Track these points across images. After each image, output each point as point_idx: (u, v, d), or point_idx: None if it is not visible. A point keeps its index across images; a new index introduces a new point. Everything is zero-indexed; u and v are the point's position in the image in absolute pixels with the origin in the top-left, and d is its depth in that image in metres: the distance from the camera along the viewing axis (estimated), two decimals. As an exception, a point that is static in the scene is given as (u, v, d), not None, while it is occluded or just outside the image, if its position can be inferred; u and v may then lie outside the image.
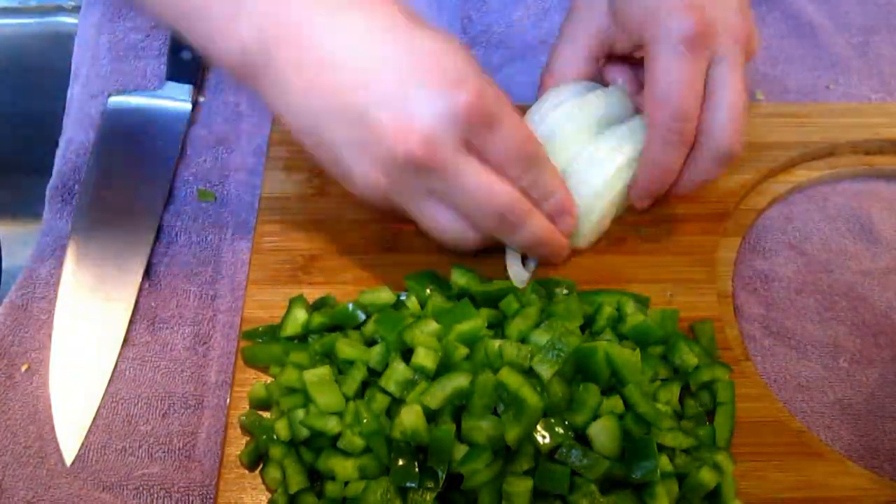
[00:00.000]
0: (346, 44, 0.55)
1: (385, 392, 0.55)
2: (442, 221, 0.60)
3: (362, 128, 0.55)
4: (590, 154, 0.64)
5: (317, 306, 0.64)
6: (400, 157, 0.54)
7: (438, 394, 0.53)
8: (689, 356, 0.60)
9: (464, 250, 0.63)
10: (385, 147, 0.54)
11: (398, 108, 0.54)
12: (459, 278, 0.63)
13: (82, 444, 0.60)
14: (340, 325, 0.61)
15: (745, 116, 0.60)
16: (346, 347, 0.58)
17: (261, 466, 0.58)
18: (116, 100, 0.78)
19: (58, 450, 0.60)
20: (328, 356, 0.59)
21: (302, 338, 0.62)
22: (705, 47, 0.59)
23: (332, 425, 0.55)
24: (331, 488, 0.54)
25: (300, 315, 0.62)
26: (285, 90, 0.56)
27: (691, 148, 0.62)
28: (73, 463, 0.59)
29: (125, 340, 0.65)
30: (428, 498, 0.52)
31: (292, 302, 0.63)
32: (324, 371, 0.57)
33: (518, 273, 0.65)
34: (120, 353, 0.65)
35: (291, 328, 0.61)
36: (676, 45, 0.59)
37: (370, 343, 0.60)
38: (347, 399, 0.56)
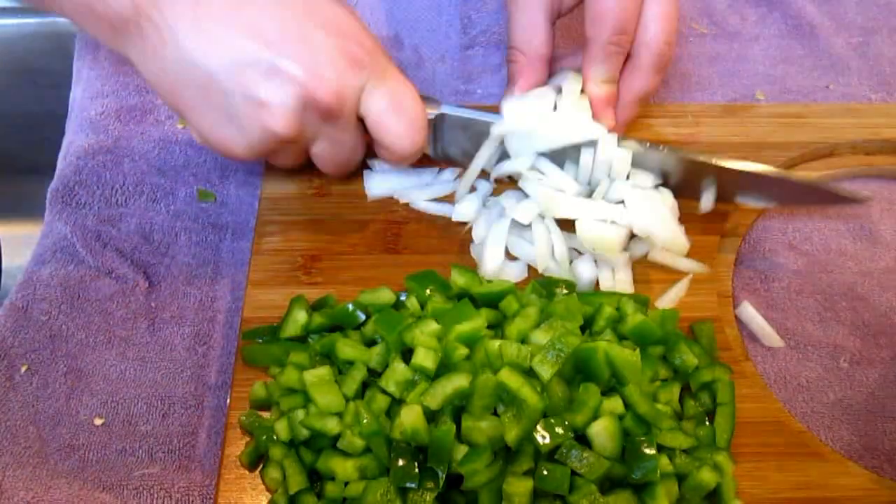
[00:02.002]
0: (236, 3, 0.57)
1: (385, 392, 0.55)
2: (330, 157, 0.65)
3: (267, 77, 0.56)
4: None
5: (317, 306, 0.64)
6: (311, 103, 0.58)
7: (438, 394, 0.53)
8: (689, 356, 0.60)
9: (344, 172, 0.69)
10: (296, 94, 0.57)
11: (305, 59, 0.57)
12: (459, 278, 0.63)
13: (82, 444, 0.60)
14: (340, 325, 0.62)
15: (675, 25, 0.69)
16: (346, 347, 0.58)
17: (261, 467, 0.58)
18: None
19: (58, 450, 0.60)
20: (328, 356, 0.59)
21: (302, 338, 0.62)
22: None
23: (332, 426, 0.55)
24: (331, 488, 0.54)
25: (300, 316, 0.62)
26: (178, 44, 0.56)
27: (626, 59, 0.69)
28: (73, 463, 0.60)
29: (125, 340, 0.65)
30: (428, 498, 0.52)
31: (293, 302, 0.63)
32: (324, 371, 0.57)
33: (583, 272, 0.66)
34: (120, 353, 0.65)
35: (292, 329, 0.61)
36: None
37: (370, 343, 0.60)
38: (347, 399, 0.56)
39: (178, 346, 0.65)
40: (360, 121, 0.63)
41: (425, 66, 0.83)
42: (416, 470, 0.52)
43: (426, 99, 0.66)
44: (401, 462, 0.52)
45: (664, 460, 0.54)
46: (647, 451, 0.53)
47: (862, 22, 0.88)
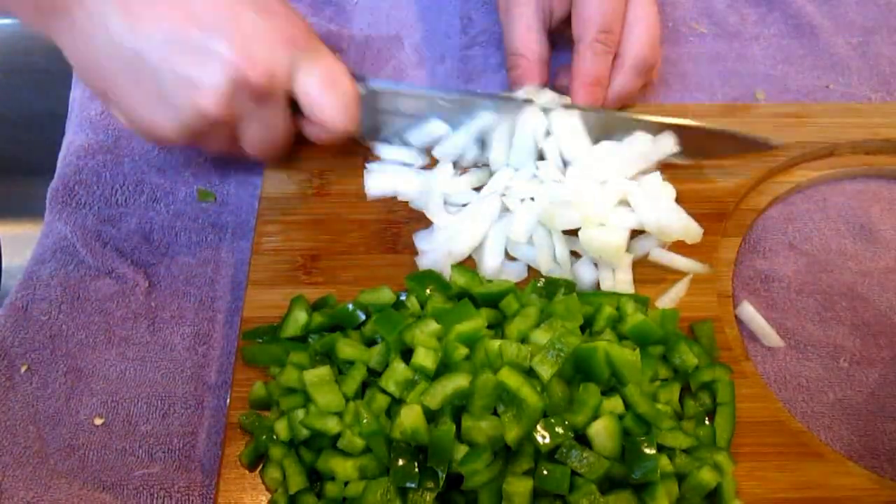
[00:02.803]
0: None
1: (385, 392, 0.55)
2: (260, 138, 0.65)
3: (199, 57, 0.57)
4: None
5: (317, 306, 0.64)
6: (243, 83, 0.58)
7: (438, 394, 0.53)
8: (689, 356, 0.60)
9: (272, 156, 0.69)
10: (227, 73, 0.57)
11: (236, 38, 0.57)
12: (459, 278, 0.63)
13: (82, 444, 0.60)
14: (340, 325, 0.62)
15: (658, 31, 0.73)
16: (346, 347, 0.58)
17: (261, 466, 0.58)
18: None
19: (58, 450, 0.60)
20: (328, 356, 0.59)
21: (302, 338, 0.62)
22: None
23: (332, 425, 0.55)
24: (331, 488, 0.54)
25: (301, 316, 0.62)
26: (107, 26, 0.56)
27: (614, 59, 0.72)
28: (73, 463, 0.60)
29: (125, 340, 0.65)
30: (428, 498, 0.52)
31: (293, 303, 0.63)
32: (324, 371, 0.57)
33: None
34: (120, 353, 0.65)
35: (292, 329, 0.61)
36: None
37: (370, 343, 0.60)
38: (347, 399, 0.56)
39: (178, 346, 0.65)
40: (290, 102, 0.63)
41: (425, 66, 0.83)
42: (416, 470, 0.52)
43: (356, 77, 0.67)
44: (401, 462, 0.52)
45: (664, 460, 0.54)
46: (647, 451, 0.53)
47: (862, 22, 0.88)
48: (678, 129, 0.69)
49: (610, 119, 0.71)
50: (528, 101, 0.69)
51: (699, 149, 0.71)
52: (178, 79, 0.57)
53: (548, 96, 0.73)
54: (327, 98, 0.63)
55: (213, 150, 0.67)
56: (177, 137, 0.62)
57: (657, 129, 0.70)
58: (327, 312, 0.62)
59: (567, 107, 0.70)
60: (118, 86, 0.59)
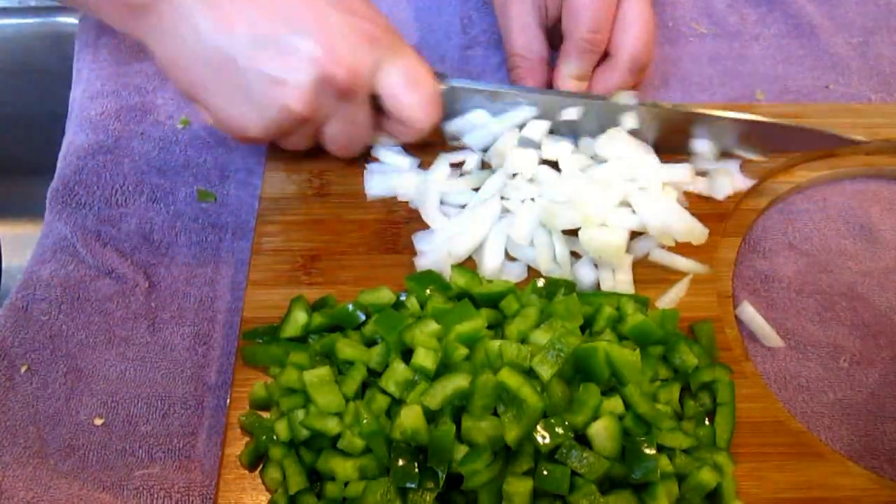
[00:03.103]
0: None
1: (385, 392, 0.55)
2: (343, 136, 0.66)
3: (284, 56, 0.58)
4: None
5: (317, 306, 0.64)
6: (328, 81, 0.59)
7: (438, 394, 0.53)
8: (689, 357, 0.60)
9: (353, 154, 0.70)
10: (313, 71, 0.58)
11: (321, 37, 0.58)
12: (459, 278, 0.63)
13: (82, 444, 0.60)
14: (340, 325, 0.62)
15: (652, 29, 0.73)
16: (346, 348, 0.58)
17: (261, 467, 0.58)
18: None
19: (58, 450, 0.60)
20: (328, 356, 0.59)
21: (302, 338, 0.62)
22: None
23: (332, 426, 0.55)
24: (331, 489, 0.54)
25: (300, 317, 0.62)
26: (194, 24, 0.57)
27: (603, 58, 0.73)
28: (73, 463, 0.60)
29: (125, 340, 0.65)
30: (428, 498, 0.52)
31: (293, 303, 0.63)
32: (324, 371, 0.57)
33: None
34: (120, 353, 0.65)
35: (292, 329, 0.61)
36: None
37: (370, 343, 0.60)
38: (347, 399, 0.56)
39: (178, 346, 0.65)
40: (372, 100, 0.64)
41: (425, 66, 0.83)
42: (416, 470, 0.52)
43: (437, 74, 0.67)
44: (401, 462, 0.52)
45: (664, 460, 0.54)
46: (647, 451, 0.53)
47: (862, 22, 0.88)
48: (747, 124, 0.70)
49: (673, 115, 0.70)
50: (613, 102, 0.70)
51: (768, 145, 0.72)
52: (263, 77, 0.58)
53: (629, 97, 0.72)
54: (409, 97, 0.63)
55: (297, 146, 0.68)
56: (263, 135, 0.63)
57: (722, 125, 0.70)
58: (327, 313, 0.62)
59: (639, 105, 0.70)
60: (205, 84, 0.60)
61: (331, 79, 0.59)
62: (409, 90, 0.63)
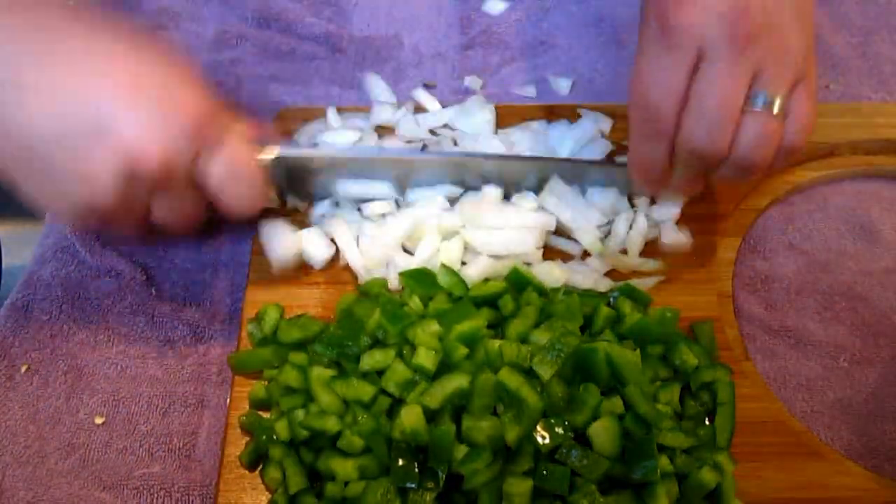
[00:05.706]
0: (66, 70, 0.55)
1: (385, 392, 0.55)
2: (171, 218, 0.62)
3: (90, 150, 0.54)
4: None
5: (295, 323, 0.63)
6: (137, 174, 0.55)
7: (438, 394, 0.53)
8: (689, 356, 0.60)
9: (190, 231, 0.65)
10: (119, 166, 0.55)
11: (131, 130, 0.55)
12: (443, 279, 0.62)
13: (82, 444, 0.60)
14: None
15: (730, 119, 0.56)
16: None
17: (261, 467, 0.58)
18: None
19: (58, 449, 0.60)
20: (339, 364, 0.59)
21: (300, 344, 0.61)
22: (684, 46, 0.56)
23: (331, 425, 0.55)
24: (331, 488, 0.54)
25: (273, 315, 0.63)
26: (5, 118, 0.55)
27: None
28: (73, 462, 0.60)
29: (125, 340, 0.65)
30: (428, 498, 0.52)
31: (266, 307, 0.63)
32: (326, 372, 0.57)
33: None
34: (120, 353, 0.65)
35: (268, 328, 0.62)
36: (655, 41, 0.57)
37: (340, 348, 0.59)
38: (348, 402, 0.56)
39: (178, 346, 0.65)
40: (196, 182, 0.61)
41: (425, 66, 0.83)
42: (416, 470, 0.52)
43: (272, 142, 0.65)
44: (401, 462, 0.52)
45: (664, 460, 0.54)
46: (647, 451, 0.53)
47: (862, 22, 0.88)
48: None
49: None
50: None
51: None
52: (68, 172, 0.56)
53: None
54: (231, 188, 0.61)
55: (126, 232, 0.64)
56: (80, 224, 0.61)
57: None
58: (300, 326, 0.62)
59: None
60: (16, 168, 0.57)
61: (139, 171, 0.56)
62: (230, 183, 0.60)
